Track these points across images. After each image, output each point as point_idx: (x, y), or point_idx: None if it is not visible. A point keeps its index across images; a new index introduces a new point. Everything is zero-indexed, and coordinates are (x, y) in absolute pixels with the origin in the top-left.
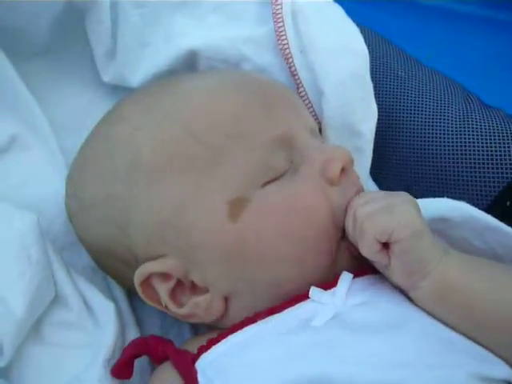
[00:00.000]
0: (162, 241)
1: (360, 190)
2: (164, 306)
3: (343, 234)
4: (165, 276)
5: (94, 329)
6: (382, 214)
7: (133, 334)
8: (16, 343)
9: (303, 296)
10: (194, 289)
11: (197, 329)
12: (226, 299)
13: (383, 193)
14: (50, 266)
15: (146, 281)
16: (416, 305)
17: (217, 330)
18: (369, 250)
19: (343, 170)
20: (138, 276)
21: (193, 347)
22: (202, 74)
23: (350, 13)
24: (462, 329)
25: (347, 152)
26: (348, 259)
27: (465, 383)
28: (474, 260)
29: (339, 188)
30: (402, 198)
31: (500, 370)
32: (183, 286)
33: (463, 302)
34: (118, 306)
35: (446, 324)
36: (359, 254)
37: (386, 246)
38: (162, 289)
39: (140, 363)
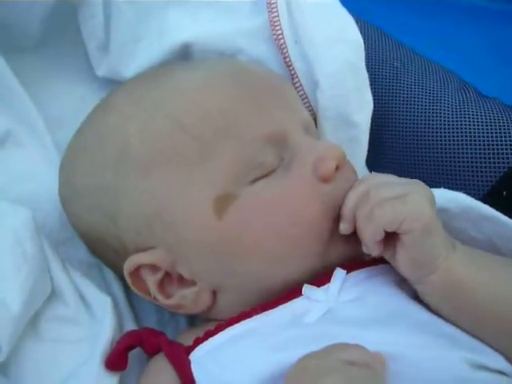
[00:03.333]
0: (150, 233)
1: None
2: (152, 297)
3: (337, 224)
4: (153, 267)
5: (90, 323)
6: (394, 203)
7: (130, 328)
8: (13, 339)
9: (297, 292)
10: (182, 281)
11: (193, 324)
12: (214, 292)
13: (397, 178)
14: (46, 262)
15: (136, 271)
16: (413, 298)
17: (213, 323)
18: (372, 237)
19: (337, 167)
20: (127, 267)
21: (187, 339)
22: (196, 64)
23: (346, 4)
24: (463, 324)
25: (340, 149)
26: (341, 250)
27: (456, 366)
28: (478, 255)
29: (334, 185)
30: (416, 187)
31: (495, 360)
32: (171, 278)
33: (469, 298)
34: (115, 300)
35: (447, 318)
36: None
37: (389, 236)
38: (151, 280)
39: (138, 359)
